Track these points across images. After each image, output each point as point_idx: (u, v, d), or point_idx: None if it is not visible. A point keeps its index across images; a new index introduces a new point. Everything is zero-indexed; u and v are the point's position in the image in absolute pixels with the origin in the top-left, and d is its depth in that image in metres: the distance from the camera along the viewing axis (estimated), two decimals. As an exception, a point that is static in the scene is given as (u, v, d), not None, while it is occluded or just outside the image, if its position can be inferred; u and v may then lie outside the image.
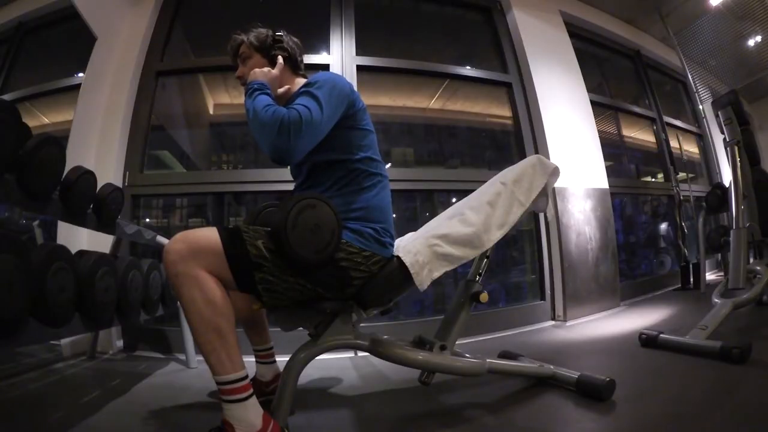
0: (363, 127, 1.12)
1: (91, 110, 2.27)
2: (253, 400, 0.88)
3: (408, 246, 1.08)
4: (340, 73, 2.49)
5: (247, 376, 0.88)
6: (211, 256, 0.87)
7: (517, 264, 2.97)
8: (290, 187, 2.32)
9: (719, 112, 2.29)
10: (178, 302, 0.89)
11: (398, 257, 1.05)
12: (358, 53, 2.59)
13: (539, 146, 2.72)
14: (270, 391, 1.31)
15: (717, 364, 1.37)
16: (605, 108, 3.61)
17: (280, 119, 0.91)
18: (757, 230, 2.10)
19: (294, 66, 1.23)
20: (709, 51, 3.66)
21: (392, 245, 1.12)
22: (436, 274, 1.06)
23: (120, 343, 2.11)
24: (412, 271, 1.02)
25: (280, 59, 1.18)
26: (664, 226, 4.10)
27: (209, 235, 0.90)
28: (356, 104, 1.10)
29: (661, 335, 1.65)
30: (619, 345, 1.82)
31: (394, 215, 1.19)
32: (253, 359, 1.35)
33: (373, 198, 1.09)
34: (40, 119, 2.60)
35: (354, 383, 1.55)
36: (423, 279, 1.03)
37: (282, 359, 1.04)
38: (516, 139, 2.88)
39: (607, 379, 1.16)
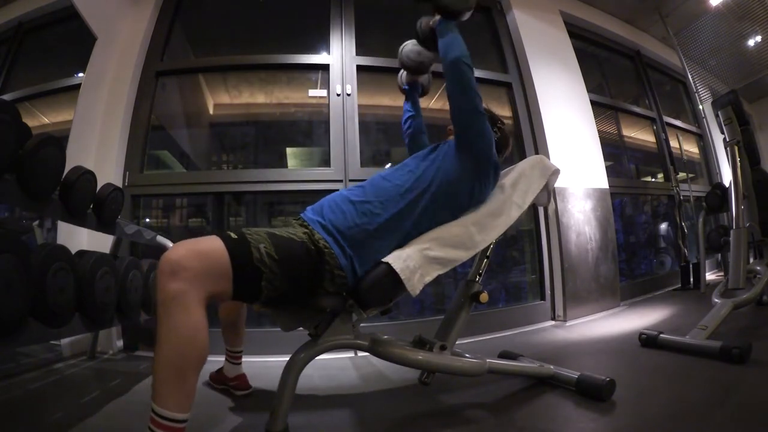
0: None
1: (91, 110, 2.27)
2: None
3: (398, 251, 1.05)
4: (340, 73, 2.49)
5: (186, 421, 0.77)
6: (219, 277, 0.82)
7: (517, 264, 2.97)
8: (289, 187, 2.37)
9: (719, 112, 2.29)
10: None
11: (388, 263, 1.01)
12: (358, 53, 2.59)
13: (539, 146, 2.72)
14: (232, 386, 1.41)
15: (717, 364, 1.37)
16: (605, 108, 3.61)
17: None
18: (757, 230, 2.11)
19: None
20: (709, 51, 3.65)
21: None
22: (428, 279, 1.03)
23: (120, 343, 2.10)
24: (402, 277, 0.99)
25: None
26: (664, 226, 4.10)
27: (218, 249, 0.83)
28: None
29: (661, 335, 1.65)
30: (619, 345, 1.82)
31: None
32: (222, 359, 1.43)
33: None
34: (40, 119, 2.60)
35: (354, 383, 1.55)
36: (414, 285, 1.00)
37: (282, 359, 1.04)
38: (516, 139, 2.87)
39: (607, 379, 1.16)
